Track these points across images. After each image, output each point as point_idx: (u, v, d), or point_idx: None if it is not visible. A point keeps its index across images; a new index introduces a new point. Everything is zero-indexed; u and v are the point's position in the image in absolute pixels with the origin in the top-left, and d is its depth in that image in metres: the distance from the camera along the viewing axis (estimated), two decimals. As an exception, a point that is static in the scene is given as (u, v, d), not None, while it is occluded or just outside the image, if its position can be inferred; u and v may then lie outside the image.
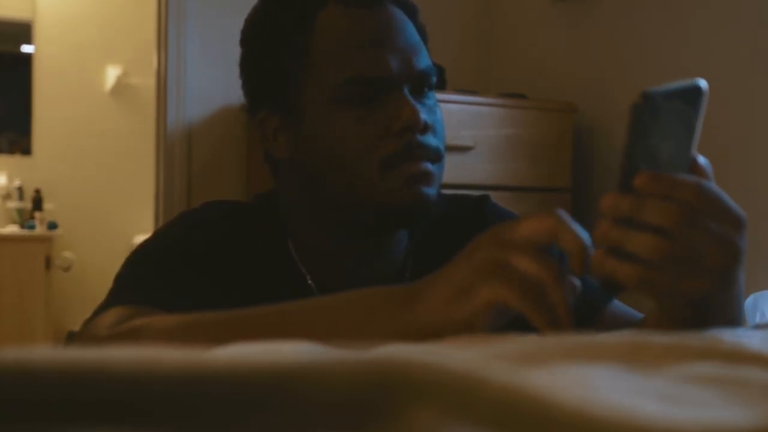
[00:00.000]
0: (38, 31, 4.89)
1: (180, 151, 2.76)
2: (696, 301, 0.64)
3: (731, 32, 2.29)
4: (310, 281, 0.92)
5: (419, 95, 0.89)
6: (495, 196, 1.00)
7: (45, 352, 0.30)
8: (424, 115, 0.87)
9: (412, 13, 0.93)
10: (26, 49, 4.91)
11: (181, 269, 0.84)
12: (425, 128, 0.87)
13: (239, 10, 2.67)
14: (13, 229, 4.69)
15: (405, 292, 0.64)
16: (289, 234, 0.94)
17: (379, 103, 0.87)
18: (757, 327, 0.62)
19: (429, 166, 0.87)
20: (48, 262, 4.49)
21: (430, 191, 0.88)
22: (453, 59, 2.82)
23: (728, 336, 0.49)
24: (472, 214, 1.00)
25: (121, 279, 0.86)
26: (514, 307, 0.57)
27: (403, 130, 0.86)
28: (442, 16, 3.00)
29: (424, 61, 0.90)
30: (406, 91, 0.87)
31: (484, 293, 0.58)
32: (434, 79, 0.91)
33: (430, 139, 0.88)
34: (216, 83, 2.79)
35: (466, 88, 2.67)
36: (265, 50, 0.91)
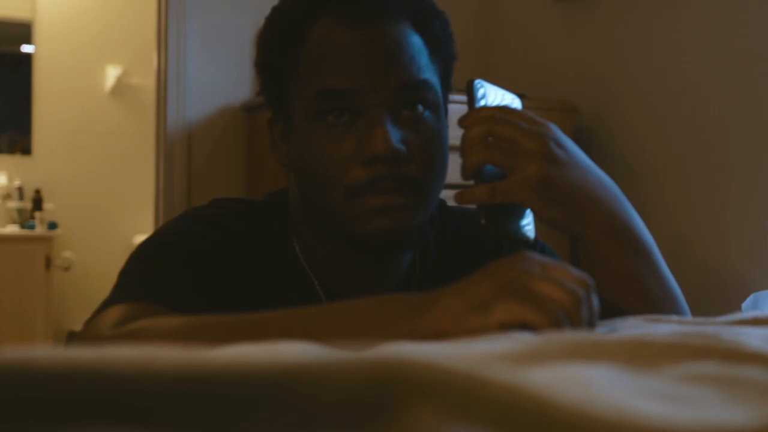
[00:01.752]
0: (38, 31, 4.89)
1: (180, 151, 2.76)
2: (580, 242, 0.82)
3: (731, 32, 2.29)
4: (315, 283, 0.92)
5: (406, 113, 0.84)
6: (495, 196, 1.00)
7: (45, 352, 0.30)
8: (396, 142, 0.82)
9: (424, 24, 0.88)
10: (26, 49, 4.91)
11: (185, 267, 0.83)
12: (396, 158, 0.82)
13: (239, 11, 2.68)
14: (13, 229, 4.69)
15: (420, 299, 0.63)
16: (295, 235, 0.94)
17: (352, 122, 0.83)
18: (756, 319, 0.62)
19: (400, 198, 0.83)
20: (48, 262, 4.49)
21: (400, 223, 0.84)
22: (453, 59, 2.82)
23: (728, 335, 0.49)
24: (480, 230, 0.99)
25: (126, 274, 0.85)
26: (533, 326, 0.57)
27: (371, 159, 0.82)
28: (442, 16, 3.00)
29: (412, 76, 0.84)
30: (385, 112, 0.83)
31: (500, 312, 0.57)
32: (430, 96, 0.86)
33: (406, 168, 0.83)
34: (216, 83, 2.79)
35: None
36: (267, 55, 0.91)
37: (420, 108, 0.85)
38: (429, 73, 0.87)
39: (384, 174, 0.82)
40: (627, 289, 0.83)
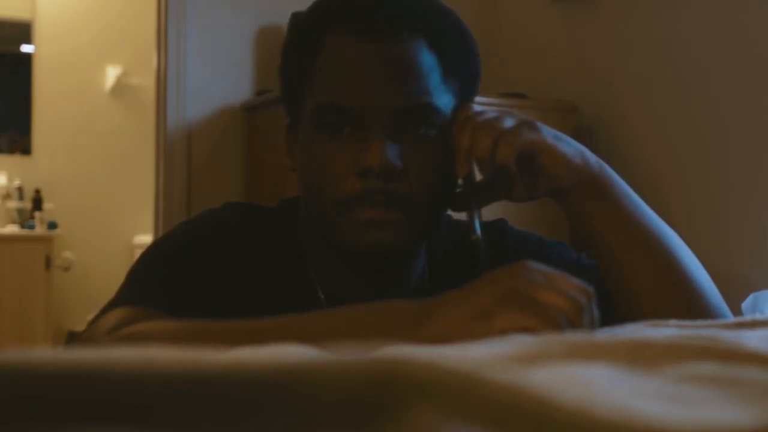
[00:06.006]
0: (38, 31, 4.89)
1: (180, 151, 2.76)
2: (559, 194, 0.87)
3: (731, 32, 2.29)
4: (319, 291, 0.91)
5: (405, 132, 0.83)
6: (495, 197, 0.99)
7: (45, 352, 0.30)
8: (392, 157, 0.81)
9: (441, 42, 0.86)
10: (26, 49, 4.91)
11: (188, 271, 0.83)
12: (390, 173, 0.81)
13: (239, 11, 2.68)
14: (13, 229, 4.68)
15: (421, 307, 0.63)
16: (302, 242, 0.93)
17: (352, 135, 0.83)
18: (755, 322, 0.62)
19: (391, 213, 0.82)
20: (48, 262, 4.49)
21: (389, 239, 0.83)
22: (453, 59, 2.82)
23: (728, 336, 0.49)
24: (494, 239, 0.97)
25: (133, 275, 0.85)
26: (535, 334, 0.57)
27: (364, 172, 0.81)
28: (442, 16, 3.00)
29: (414, 99, 0.83)
30: (380, 128, 0.82)
31: (501, 320, 0.58)
32: (434, 118, 0.84)
33: (400, 185, 0.83)
34: (216, 83, 2.79)
35: (466, 88, 2.67)
36: (284, 62, 0.91)
37: (423, 129, 0.84)
38: (438, 94, 0.85)
39: (376, 188, 0.82)
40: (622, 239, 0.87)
